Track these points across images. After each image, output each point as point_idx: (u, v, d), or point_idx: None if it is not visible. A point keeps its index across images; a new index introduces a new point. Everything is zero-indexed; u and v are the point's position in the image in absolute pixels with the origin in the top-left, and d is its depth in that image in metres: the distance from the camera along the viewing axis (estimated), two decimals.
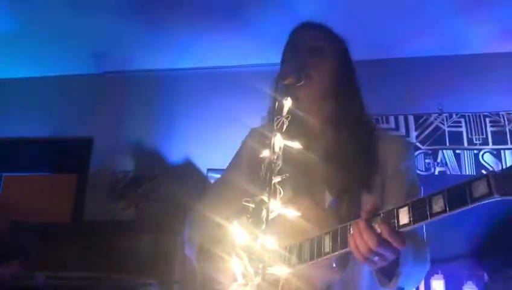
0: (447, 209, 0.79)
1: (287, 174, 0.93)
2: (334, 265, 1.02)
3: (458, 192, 0.79)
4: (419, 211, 0.83)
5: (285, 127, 0.97)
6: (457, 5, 2.77)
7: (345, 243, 0.95)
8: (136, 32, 3.24)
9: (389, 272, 0.98)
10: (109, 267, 2.84)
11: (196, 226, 1.31)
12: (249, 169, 1.25)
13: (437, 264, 2.72)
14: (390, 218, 0.87)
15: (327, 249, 0.97)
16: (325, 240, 0.98)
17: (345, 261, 1.05)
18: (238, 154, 1.41)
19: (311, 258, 0.99)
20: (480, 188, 0.77)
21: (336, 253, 0.96)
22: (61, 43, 3.42)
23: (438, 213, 0.80)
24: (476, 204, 0.77)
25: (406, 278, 0.99)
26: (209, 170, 3.32)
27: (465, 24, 2.92)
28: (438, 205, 0.80)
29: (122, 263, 2.84)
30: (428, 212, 0.81)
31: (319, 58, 1.27)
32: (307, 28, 1.36)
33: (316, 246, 0.99)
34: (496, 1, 2.73)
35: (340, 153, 1.16)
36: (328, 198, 1.14)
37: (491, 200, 0.76)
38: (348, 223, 0.96)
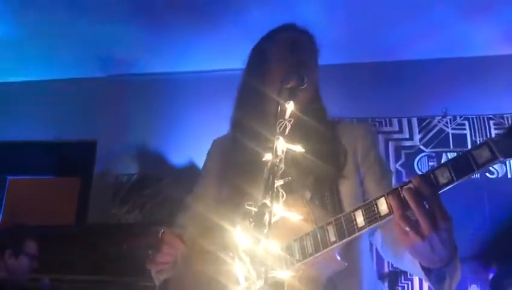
0: (454, 178, 0.81)
1: (289, 178, 0.93)
2: (337, 256, 1.01)
3: (462, 162, 0.82)
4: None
5: (287, 130, 0.97)
6: (461, 8, 2.77)
7: (371, 219, 0.90)
8: (140, 36, 3.25)
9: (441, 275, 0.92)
10: (113, 270, 2.85)
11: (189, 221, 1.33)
12: (219, 177, 1.30)
13: None
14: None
15: (333, 239, 0.96)
16: (328, 231, 0.97)
17: (347, 251, 1.05)
18: (204, 169, 1.45)
19: (317, 251, 0.98)
20: (484, 154, 0.79)
21: (344, 241, 0.94)
22: (65, 47, 3.44)
23: (446, 184, 0.82)
24: (482, 169, 0.80)
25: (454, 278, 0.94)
26: None
27: (469, 27, 2.91)
28: (444, 177, 0.82)
29: (126, 265, 2.85)
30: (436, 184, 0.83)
31: (313, 65, 1.32)
32: (300, 32, 1.38)
33: (319, 237, 0.99)
34: (500, 4, 2.73)
35: (309, 150, 1.16)
36: (309, 190, 1.16)
37: (496, 163, 0.79)
38: (372, 200, 0.91)
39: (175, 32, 3.18)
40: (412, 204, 0.83)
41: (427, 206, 0.83)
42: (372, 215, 0.90)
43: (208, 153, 1.45)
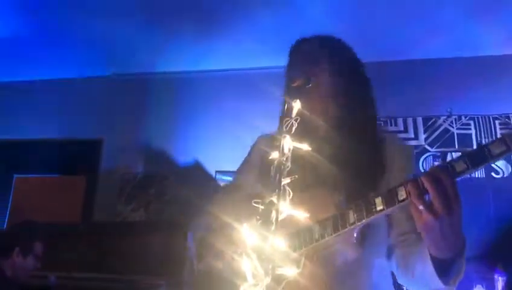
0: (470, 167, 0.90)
1: (296, 176, 0.94)
2: (355, 239, 1.04)
3: (477, 153, 0.90)
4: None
5: (294, 128, 0.98)
6: (467, 8, 2.76)
7: (392, 201, 0.95)
8: (147, 36, 3.26)
9: (445, 268, 0.98)
10: (119, 268, 2.87)
11: (208, 226, 1.33)
12: (260, 174, 1.28)
13: None
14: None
15: (352, 220, 1.00)
16: (349, 214, 1.01)
17: (363, 239, 1.08)
18: (247, 159, 1.43)
19: (335, 231, 1.02)
20: (499, 147, 0.87)
21: (363, 221, 0.99)
22: (72, 46, 3.46)
23: (462, 172, 0.91)
24: (497, 160, 0.88)
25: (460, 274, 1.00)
26: (217, 172, 3.34)
27: (475, 27, 2.91)
28: (460, 166, 0.91)
29: (132, 263, 2.86)
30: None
31: (326, 67, 1.29)
32: (314, 39, 1.37)
33: (339, 220, 1.03)
34: (506, 4, 2.72)
35: (347, 156, 1.17)
36: (337, 199, 1.16)
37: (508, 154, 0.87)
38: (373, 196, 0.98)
39: (182, 32, 3.19)
40: (427, 185, 0.90)
41: (441, 190, 0.90)
42: (391, 199, 0.96)
43: (251, 147, 1.44)
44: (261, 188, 1.14)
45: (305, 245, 1.06)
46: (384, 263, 1.23)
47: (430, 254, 0.98)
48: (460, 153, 0.93)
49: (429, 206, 0.90)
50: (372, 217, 0.98)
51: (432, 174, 0.91)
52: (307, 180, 1.16)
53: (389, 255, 1.22)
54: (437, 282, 0.99)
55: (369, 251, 1.13)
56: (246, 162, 1.43)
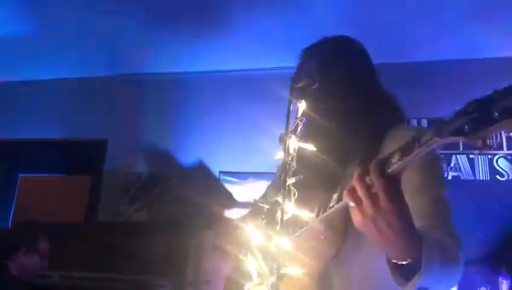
0: (398, 160, 0.81)
1: (301, 176, 0.94)
2: (322, 229, 1.01)
3: (408, 144, 0.80)
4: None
5: (299, 129, 0.98)
6: (475, 10, 2.76)
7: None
8: (151, 36, 3.27)
9: (409, 272, 0.89)
10: (122, 268, 2.87)
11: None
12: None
13: None
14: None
15: (316, 213, 0.98)
16: (315, 210, 0.99)
17: (337, 234, 1.05)
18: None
19: (302, 225, 1.00)
20: (427, 136, 0.77)
21: (320, 216, 0.95)
22: (77, 47, 3.47)
23: (395, 162, 0.82)
24: (424, 149, 0.77)
25: (431, 279, 0.90)
26: (221, 172, 3.34)
27: (482, 28, 2.90)
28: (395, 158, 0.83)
29: (136, 264, 2.87)
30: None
31: (332, 68, 1.27)
32: (322, 42, 1.36)
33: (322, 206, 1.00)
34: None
35: (351, 153, 1.16)
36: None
37: (435, 144, 0.76)
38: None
39: (187, 32, 3.20)
40: (354, 183, 0.84)
41: (373, 186, 0.83)
42: (340, 197, 0.92)
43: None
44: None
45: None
46: None
47: (387, 257, 0.90)
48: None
49: (358, 203, 0.84)
50: (327, 213, 0.94)
51: (360, 170, 0.85)
52: (307, 179, 1.16)
53: None
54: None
55: (355, 245, 1.09)
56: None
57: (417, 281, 0.87)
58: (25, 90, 3.95)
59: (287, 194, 0.88)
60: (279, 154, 0.93)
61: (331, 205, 0.94)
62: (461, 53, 3.14)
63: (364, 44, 1.39)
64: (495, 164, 2.95)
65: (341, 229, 1.05)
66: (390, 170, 0.81)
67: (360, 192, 0.83)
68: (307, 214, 0.93)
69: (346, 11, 2.75)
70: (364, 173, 0.84)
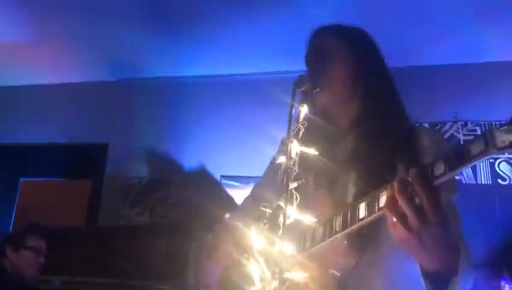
0: (447, 171, 0.77)
1: (303, 180, 0.94)
2: (344, 245, 1.00)
3: (456, 154, 0.78)
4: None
5: (301, 133, 0.98)
6: (474, 14, 2.76)
7: (371, 211, 0.88)
8: (151, 41, 3.28)
9: (442, 282, 0.87)
10: (123, 273, 2.86)
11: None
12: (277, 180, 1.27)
13: None
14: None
15: (337, 229, 0.95)
16: (336, 221, 0.97)
17: (359, 243, 1.03)
18: (273, 160, 1.42)
19: (323, 239, 0.98)
20: (478, 147, 0.75)
21: (345, 231, 0.92)
22: (77, 52, 3.48)
23: (441, 175, 0.78)
24: (475, 161, 0.75)
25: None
26: (222, 176, 3.34)
27: (482, 33, 2.90)
28: (439, 169, 0.79)
29: (137, 268, 2.86)
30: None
31: (330, 63, 1.26)
32: (318, 33, 1.37)
33: (328, 227, 0.98)
34: (511, 10, 2.71)
35: (363, 158, 1.14)
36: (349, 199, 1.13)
37: (489, 155, 0.74)
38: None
39: (185, 37, 3.21)
40: (397, 195, 0.81)
41: (417, 199, 0.80)
42: (372, 206, 0.89)
43: (278, 150, 1.42)
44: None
45: (299, 252, 1.02)
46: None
47: (420, 264, 0.88)
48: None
49: (402, 218, 0.80)
50: (354, 226, 0.91)
51: (403, 182, 0.80)
52: (309, 184, 1.16)
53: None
54: None
55: (378, 255, 1.09)
56: (270, 164, 1.42)
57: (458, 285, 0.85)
58: (26, 95, 3.96)
59: (290, 199, 0.87)
60: (281, 159, 0.93)
61: (361, 216, 0.89)
62: (461, 57, 3.14)
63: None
64: (497, 168, 2.95)
65: (361, 240, 1.04)
66: (436, 182, 0.77)
67: (405, 205, 0.79)
68: (309, 219, 0.93)
69: (346, 15, 2.73)
70: (406, 184, 0.80)
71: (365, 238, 1.04)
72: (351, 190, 1.12)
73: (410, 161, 1.08)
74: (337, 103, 1.24)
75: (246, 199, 1.49)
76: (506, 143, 0.72)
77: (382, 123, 1.19)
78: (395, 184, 0.81)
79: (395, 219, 0.81)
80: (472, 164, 0.75)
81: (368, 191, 0.94)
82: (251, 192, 1.47)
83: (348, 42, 1.33)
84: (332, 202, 1.08)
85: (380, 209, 0.86)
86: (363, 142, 1.16)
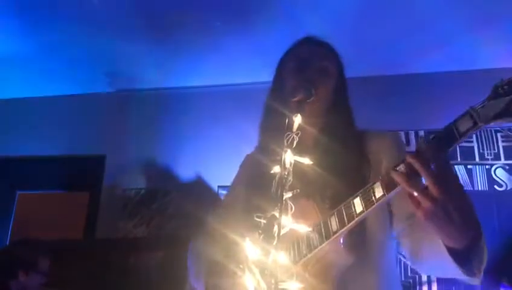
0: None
1: (298, 190, 0.94)
2: (341, 242, 1.01)
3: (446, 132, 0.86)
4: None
5: (295, 143, 0.98)
6: (467, 22, 2.79)
7: (370, 201, 0.91)
8: (148, 52, 3.30)
9: (466, 259, 0.89)
10: (121, 284, 2.85)
11: (209, 240, 1.33)
12: (247, 190, 1.30)
13: (451, 280, 2.69)
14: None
15: (335, 228, 0.98)
16: (331, 222, 0.99)
17: (355, 242, 1.04)
18: (236, 178, 1.45)
19: (321, 242, 1.00)
20: (466, 123, 0.85)
21: (344, 228, 0.95)
22: (74, 63, 3.49)
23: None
24: (465, 137, 0.85)
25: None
26: (219, 187, 3.34)
27: (475, 40, 2.93)
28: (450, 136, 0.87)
29: (134, 280, 2.84)
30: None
31: (325, 78, 1.31)
32: (315, 45, 1.39)
33: (323, 230, 1.00)
34: (505, 18, 2.74)
35: (333, 162, 1.17)
36: (327, 208, 1.15)
37: (477, 129, 0.84)
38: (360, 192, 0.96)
39: (183, 48, 3.22)
40: (416, 166, 0.83)
41: (434, 169, 0.83)
42: (368, 199, 0.91)
43: (240, 166, 1.47)
44: (250, 206, 1.15)
45: (295, 262, 1.03)
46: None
47: (446, 245, 0.89)
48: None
49: (424, 191, 0.82)
50: (353, 222, 0.94)
51: (419, 153, 0.83)
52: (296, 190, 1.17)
53: (399, 245, 1.18)
54: (461, 275, 0.91)
55: (370, 253, 1.11)
56: (233, 182, 1.46)
57: (482, 266, 0.89)
58: (22, 107, 3.96)
59: (284, 208, 0.87)
60: (276, 169, 0.93)
61: (358, 211, 0.93)
62: (455, 65, 3.16)
63: (359, 57, 1.43)
64: (493, 174, 2.95)
65: (354, 239, 1.06)
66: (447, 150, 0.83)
67: (426, 174, 0.81)
68: (304, 228, 0.93)
69: (342, 25, 2.77)
70: (421, 156, 0.82)
71: (356, 236, 1.05)
72: (323, 204, 1.14)
73: (367, 168, 1.17)
74: (317, 114, 1.26)
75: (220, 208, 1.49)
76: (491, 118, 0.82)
77: (344, 137, 1.25)
78: (412, 158, 0.83)
79: (416, 193, 0.82)
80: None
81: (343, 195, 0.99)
82: (232, 188, 1.50)
83: (335, 55, 1.37)
84: (318, 209, 1.09)
85: (379, 199, 0.88)
86: (330, 156, 1.19)
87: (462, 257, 0.89)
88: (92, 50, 3.30)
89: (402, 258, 2.52)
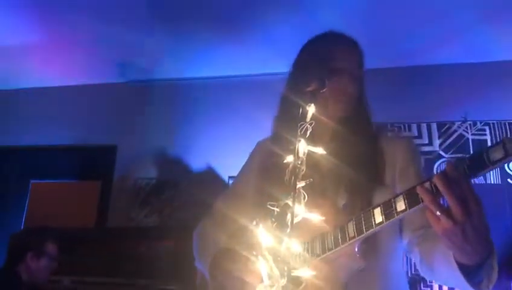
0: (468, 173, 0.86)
1: (311, 179, 0.94)
2: (356, 250, 1.02)
3: (478, 158, 0.86)
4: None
5: (308, 132, 0.98)
6: (482, 13, 2.75)
7: (391, 214, 0.93)
8: (160, 42, 3.30)
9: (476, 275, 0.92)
10: (132, 273, 2.88)
11: (217, 226, 1.34)
12: (261, 179, 1.29)
13: None
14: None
15: (352, 234, 0.99)
16: (348, 227, 1.00)
17: (368, 248, 1.05)
18: (246, 165, 1.44)
19: (336, 246, 1.01)
20: (499, 152, 0.83)
21: (361, 236, 0.97)
22: (86, 53, 3.51)
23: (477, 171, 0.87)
24: (496, 166, 0.85)
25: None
26: (230, 177, 3.35)
27: (490, 32, 2.89)
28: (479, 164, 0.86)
29: (145, 268, 2.87)
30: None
31: (356, 84, 1.31)
32: (351, 47, 1.36)
33: (339, 234, 1.01)
34: None
35: (351, 154, 1.18)
36: (342, 198, 1.16)
37: (507, 162, 0.84)
38: (391, 198, 0.96)
39: (195, 38, 3.22)
40: (441, 188, 0.85)
41: (459, 192, 0.85)
42: (389, 211, 0.93)
43: (250, 154, 1.47)
44: (263, 194, 1.15)
45: (307, 261, 1.04)
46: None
47: (456, 260, 0.92)
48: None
49: (446, 211, 0.85)
50: (371, 230, 0.96)
51: (446, 175, 0.86)
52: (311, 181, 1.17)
53: (409, 252, 1.20)
54: (468, 288, 0.94)
55: (380, 259, 1.12)
56: (244, 169, 1.45)
57: (491, 283, 0.92)
58: (36, 97, 3.99)
59: (297, 198, 0.88)
60: (289, 158, 0.93)
61: (377, 221, 0.94)
62: (469, 56, 3.13)
63: (372, 48, 1.41)
64: (506, 168, 2.92)
65: (374, 244, 1.07)
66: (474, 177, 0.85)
67: (452, 198, 0.84)
68: (317, 217, 0.93)
69: (355, 17, 2.75)
70: (447, 178, 0.85)
71: (370, 243, 1.07)
72: (341, 199, 1.15)
73: (383, 164, 1.19)
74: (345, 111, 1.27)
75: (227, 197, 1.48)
76: None
77: (363, 131, 1.27)
78: (439, 179, 0.86)
79: (439, 213, 0.85)
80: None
81: (361, 193, 1.04)
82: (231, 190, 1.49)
83: (363, 57, 1.37)
84: (334, 211, 1.10)
85: (400, 212, 0.91)
86: (348, 148, 1.20)
87: (472, 273, 0.92)
88: (104, 40, 3.31)
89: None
